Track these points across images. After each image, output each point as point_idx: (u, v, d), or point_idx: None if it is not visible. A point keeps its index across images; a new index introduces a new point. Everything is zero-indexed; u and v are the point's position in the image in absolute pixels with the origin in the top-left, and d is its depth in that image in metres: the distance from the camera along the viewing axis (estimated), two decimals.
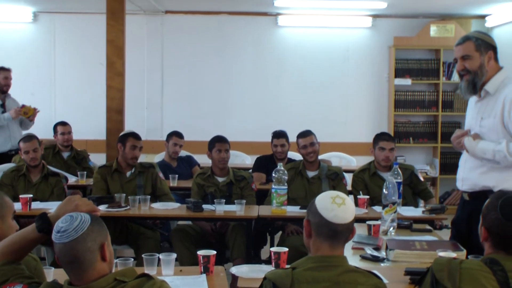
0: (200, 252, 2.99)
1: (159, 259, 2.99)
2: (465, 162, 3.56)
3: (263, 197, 5.07)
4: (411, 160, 7.86)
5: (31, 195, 4.56)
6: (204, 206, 4.52)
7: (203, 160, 6.12)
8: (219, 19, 8.20)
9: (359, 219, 4.08)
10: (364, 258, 3.19)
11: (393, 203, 3.79)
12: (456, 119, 8.15)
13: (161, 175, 5.14)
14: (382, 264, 3.10)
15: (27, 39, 8.25)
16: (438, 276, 2.19)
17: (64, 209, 2.20)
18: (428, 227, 4.04)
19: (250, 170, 5.93)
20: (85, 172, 5.80)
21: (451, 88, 8.04)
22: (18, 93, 8.10)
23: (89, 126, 7.89)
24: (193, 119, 8.15)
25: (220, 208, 4.43)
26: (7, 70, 6.71)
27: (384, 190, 3.81)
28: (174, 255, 3.02)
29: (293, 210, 4.51)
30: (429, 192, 5.08)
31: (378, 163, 4.99)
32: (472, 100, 3.60)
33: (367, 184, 4.99)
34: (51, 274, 2.78)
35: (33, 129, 6.52)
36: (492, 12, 7.81)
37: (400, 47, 8.04)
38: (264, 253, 5.20)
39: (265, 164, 5.91)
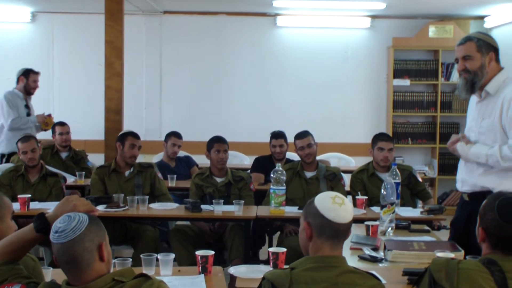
0: (199, 252, 2.99)
1: (157, 259, 2.99)
2: (464, 164, 3.57)
3: (261, 197, 5.07)
4: (410, 161, 7.87)
5: (30, 195, 4.56)
6: (203, 206, 4.52)
7: (202, 160, 6.12)
8: (217, 20, 8.20)
9: (357, 220, 4.10)
10: (362, 258, 3.19)
11: (392, 204, 3.80)
12: (454, 120, 8.16)
13: (159, 175, 5.14)
14: (380, 265, 3.10)
15: (25, 39, 8.24)
16: (436, 277, 2.19)
17: (62, 209, 2.21)
18: (426, 227, 4.05)
19: (249, 171, 5.93)
20: (84, 172, 5.80)
21: (450, 89, 8.05)
22: None
23: (88, 127, 7.88)
24: (192, 119, 8.16)
25: (219, 209, 4.43)
26: (37, 74, 6.81)
27: (382, 190, 3.82)
28: (172, 255, 3.02)
29: (292, 211, 4.51)
30: (427, 193, 5.09)
31: (377, 163, 5.00)
32: (473, 101, 3.61)
33: (365, 184, 4.99)
34: (50, 274, 2.78)
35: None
36: (491, 13, 7.82)
37: (398, 48, 8.05)
38: (262, 254, 5.20)
39: (264, 164, 5.91)
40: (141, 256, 2.99)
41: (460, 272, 2.18)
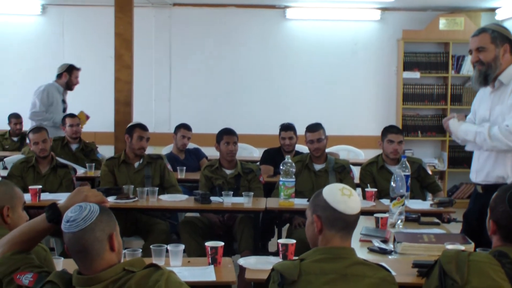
0: (208, 243, 3.00)
1: (167, 250, 3.00)
2: (479, 154, 3.56)
3: (270, 189, 5.08)
4: (419, 154, 7.84)
5: (40, 186, 4.58)
6: (212, 198, 4.52)
7: (211, 152, 6.13)
8: (227, 12, 8.19)
9: (366, 212, 4.10)
10: (371, 250, 3.19)
11: (401, 196, 3.79)
12: (465, 112, 7.94)
13: (169, 167, 5.15)
14: (389, 257, 3.10)
15: (36, 32, 8.27)
16: (446, 269, 2.18)
17: (73, 200, 2.22)
18: (436, 220, 4.03)
19: (258, 163, 5.93)
20: (94, 164, 5.82)
21: (460, 82, 8.01)
22: (27, 86, 8.16)
23: (98, 119, 7.88)
24: (201, 111, 8.16)
25: (228, 200, 4.44)
26: (78, 70, 6.93)
27: (392, 183, 3.81)
28: (182, 246, 3.03)
29: (301, 203, 4.51)
30: (437, 186, 5.07)
31: (386, 156, 4.99)
32: (485, 91, 3.58)
33: (374, 177, 4.98)
34: (61, 264, 2.80)
35: None
36: (502, 5, 7.76)
37: (408, 40, 8.01)
38: (271, 246, 5.20)
39: (273, 157, 5.91)
40: (151, 247, 3.00)
41: (470, 264, 2.17)
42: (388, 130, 5.03)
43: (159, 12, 8.21)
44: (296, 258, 2.33)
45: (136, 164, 5.04)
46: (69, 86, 6.89)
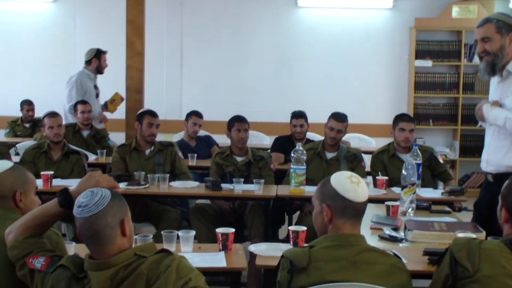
0: (219, 230, 3.01)
1: (178, 237, 3.01)
2: (489, 143, 3.54)
3: (281, 177, 5.08)
4: (431, 143, 7.79)
5: (52, 172, 4.61)
6: (223, 185, 4.53)
7: (222, 140, 6.13)
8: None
9: (377, 200, 4.10)
10: (382, 238, 3.18)
11: (412, 184, 3.78)
12: (477, 101, 7.96)
13: (180, 154, 5.16)
14: (400, 245, 3.10)
15: (48, 19, 8.28)
16: (457, 256, 2.18)
17: (85, 185, 2.22)
18: (447, 208, 4.02)
19: (269, 151, 5.93)
20: (105, 151, 5.84)
21: (473, 70, 7.95)
22: (39, 73, 8.20)
23: None
24: (212, 99, 8.15)
25: (239, 187, 4.45)
26: (105, 53, 6.97)
27: (403, 171, 3.80)
28: (193, 232, 3.04)
29: (312, 190, 4.49)
30: (448, 174, 5.05)
31: (398, 144, 4.97)
32: (494, 82, 3.57)
33: (386, 165, 4.97)
34: (72, 248, 2.82)
35: (54, 108, 6.58)
36: None
37: (421, 29, 7.95)
38: (281, 233, 5.21)
39: (284, 144, 5.90)
40: (162, 232, 3.02)
41: (481, 252, 2.17)
42: (400, 118, 5.01)
43: None
44: (306, 245, 2.34)
45: (147, 151, 5.06)
46: (99, 70, 6.90)
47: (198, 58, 8.25)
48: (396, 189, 4.47)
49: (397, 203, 3.73)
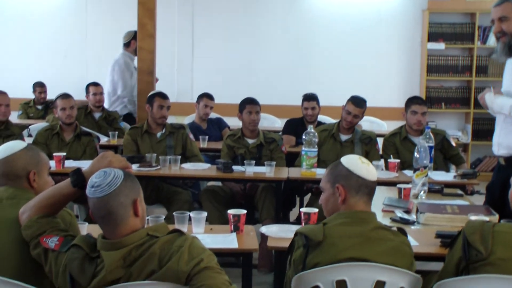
0: (231, 211, 3.02)
1: (189, 218, 3.02)
2: (501, 127, 3.51)
3: (293, 159, 5.07)
4: (443, 126, 7.76)
5: (65, 154, 4.63)
6: (234, 167, 4.53)
7: (233, 122, 6.12)
8: None
9: (389, 183, 4.09)
10: (394, 220, 3.18)
11: (424, 167, 3.76)
12: (490, 84, 7.95)
13: (191, 136, 5.16)
14: (412, 227, 3.09)
15: (60, 1, 8.27)
16: (470, 239, 2.18)
17: (97, 165, 2.23)
18: (459, 191, 4.01)
19: (280, 133, 5.92)
20: (116, 133, 5.85)
21: (486, 53, 7.87)
22: (52, 55, 8.20)
23: None
24: (223, 81, 8.13)
25: (250, 170, 4.45)
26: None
27: (415, 153, 3.78)
28: (205, 214, 3.05)
29: (323, 173, 4.49)
30: (460, 158, 5.03)
31: (410, 127, 4.95)
32: (510, 63, 3.52)
33: (398, 148, 4.96)
34: (85, 229, 2.84)
35: (66, 90, 6.59)
36: None
37: (434, 11, 7.87)
38: (292, 216, 5.22)
39: (295, 127, 5.89)
40: (174, 213, 3.03)
41: (495, 234, 2.16)
42: (412, 101, 4.99)
43: None
44: (319, 223, 2.36)
45: (159, 134, 5.07)
46: (136, 52, 6.89)
47: (209, 40, 8.22)
48: (408, 172, 4.46)
49: (409, 185, 3.72)
